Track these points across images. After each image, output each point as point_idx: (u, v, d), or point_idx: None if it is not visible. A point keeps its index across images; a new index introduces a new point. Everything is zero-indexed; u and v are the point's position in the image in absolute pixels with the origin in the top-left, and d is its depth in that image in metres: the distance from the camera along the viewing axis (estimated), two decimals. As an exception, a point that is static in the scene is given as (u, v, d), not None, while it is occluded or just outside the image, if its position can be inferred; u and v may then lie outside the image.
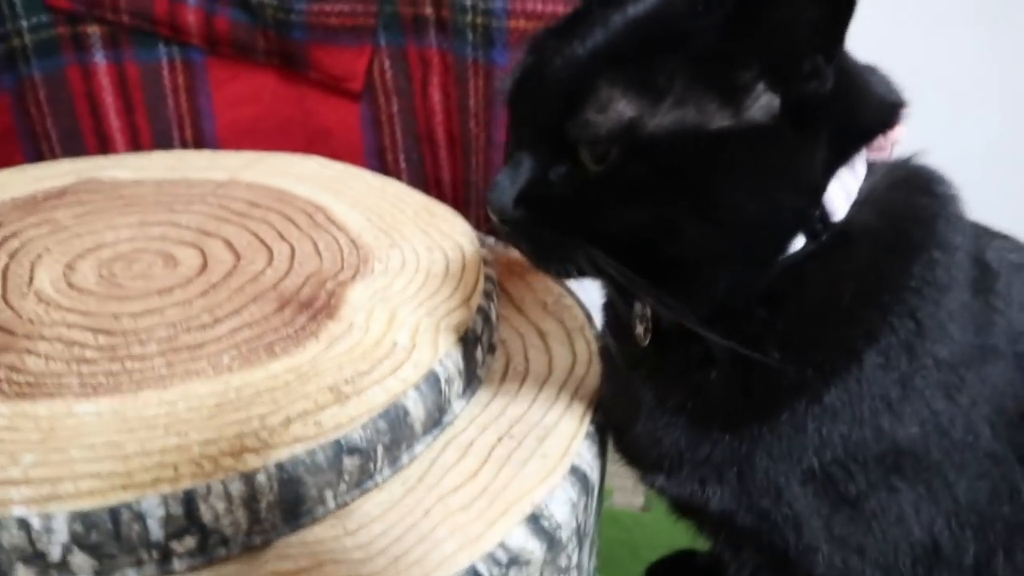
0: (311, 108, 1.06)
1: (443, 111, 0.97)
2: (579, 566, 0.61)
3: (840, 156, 0.50)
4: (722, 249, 0.48)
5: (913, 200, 0.52)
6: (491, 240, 0.96)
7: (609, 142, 0.46)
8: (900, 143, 0.54)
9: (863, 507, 0.50)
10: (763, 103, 0.46)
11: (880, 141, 0.52)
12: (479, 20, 0.86)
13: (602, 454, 0.63)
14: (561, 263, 0.51)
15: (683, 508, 0.59)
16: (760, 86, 0.46)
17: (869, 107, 0.51)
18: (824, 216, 0.49)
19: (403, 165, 1.06)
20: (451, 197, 1.02)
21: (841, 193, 0.50)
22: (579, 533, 0.58)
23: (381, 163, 1.07)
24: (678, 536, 0.79)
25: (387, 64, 0.99)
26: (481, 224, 0.99)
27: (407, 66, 0.98)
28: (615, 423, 0.62)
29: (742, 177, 0.47)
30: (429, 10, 0.92)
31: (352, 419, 0.54)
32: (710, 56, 0.45)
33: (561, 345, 0.74)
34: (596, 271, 0.50)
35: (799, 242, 0.49)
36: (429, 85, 0.97)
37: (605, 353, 0.63)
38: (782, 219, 0.48)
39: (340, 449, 0.52)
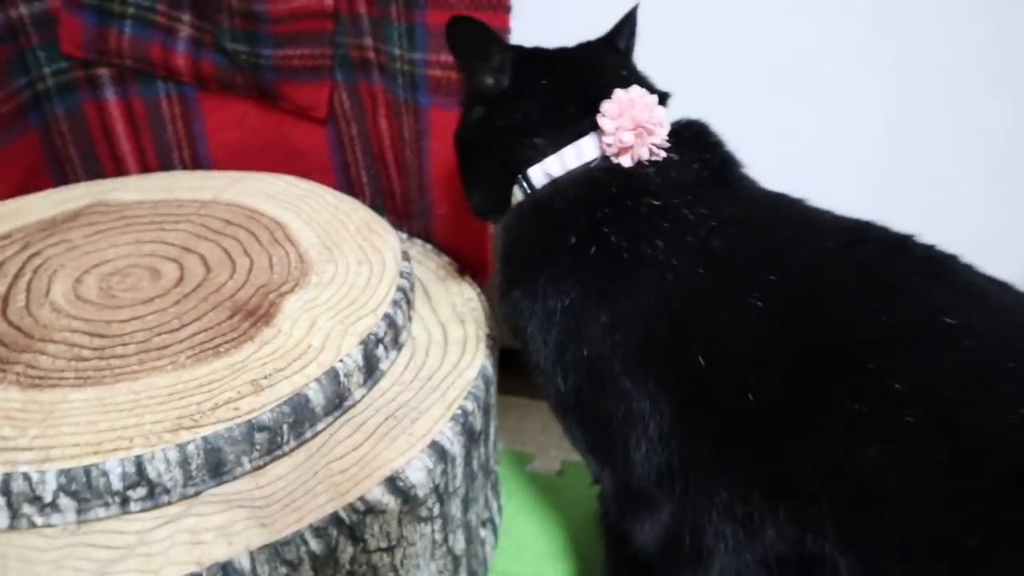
0: (287, 132, 1.25)
1: (389, 137, 1.15)
2: (444, 515, 0.81)
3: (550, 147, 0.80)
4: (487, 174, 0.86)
5: (575, 188, 0.78)
6: (428, 247, 1.16)
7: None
8: (627, 149, 0.77)
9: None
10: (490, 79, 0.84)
11: (606, 142, 0.77)
12: (406, 67, 1.04)
13: (466, 433, 0.82)
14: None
15: None
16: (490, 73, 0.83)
17: (567, 100, 0.83)
18: (530, 183, 0.81)
19: (365, 179, 1.25)
20: (401, 208, 1.21)
21: (540, 172, 0.80)
22: (438, 491, 0.78)
23: (347, 177, 1.26)
24: (584, 498, 1.01)
25: (344, 96, 1.18)
26: (419, 232, 1.19)
27: (360, 98, 1.16)
28: None
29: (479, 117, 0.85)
30: (372, 54, 1.10)
31: (263, 405, 0.74)
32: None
33: (456, 344, 0.93)
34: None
35: (519, 194, 0.82)
36: (377, 115, 1.15)
37: None
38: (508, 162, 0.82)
39: (252, 427, 0.73)
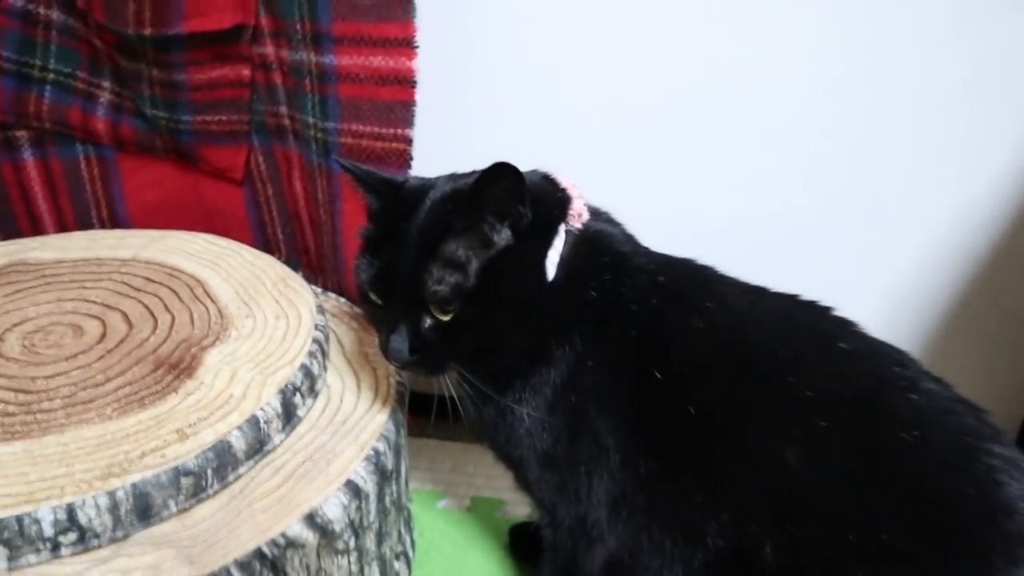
0: (204, 191, 1.31)
1: (304, 198, 1.23)
2: (360, 548, 0.87)
3: (547, 241, 0.84)
4: (515, 324, 0.83)
5: (589, 262, 0.86)
6: (341, 300, 1.23)
7: (451, 301, 0.80)
8: (583, 215, 0.87)
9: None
10: (504, 235, 0.82)
11: (569, 219, 0.86)
12: (319, 135, 1.12)
13: (379, 472, 0.89)
14: (440, 372, 0.85)
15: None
16: (496, 228, 0.81)
17: (551, 206, 0.86)
18: (545, 281, 0.84)
19: (280, 236, 1.32)
20: (316, 264, 1.28)
21: (550, 262, 0.84)
22: (353, 526, 0.85)
23: (263, 235, 1.33)
24: (492, 532, 1.09)
25: (261, 159, 1.25)
26: (333, 287, 1.26)
27: (275, 161, 1.24)
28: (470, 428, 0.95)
29: (509, 277, 0.81)
30: (287, 121, 1.18)
31: (188, 452, 0.80)
32: (468, 228, 0.80)
33: (368, 390, 1.01)
34: (457, 372, 0.85)
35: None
36: (292, 177, 1.22)
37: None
38: (532, 293, 0.83)
39: (178, 473, 0.78)
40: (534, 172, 0.90)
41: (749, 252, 1.13)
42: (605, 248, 0.88)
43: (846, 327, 0.82)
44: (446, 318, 0.81)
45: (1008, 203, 1.14)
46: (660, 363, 0.81)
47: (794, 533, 0.73)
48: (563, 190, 0.88)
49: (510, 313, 0.83)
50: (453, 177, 0.89)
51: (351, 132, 1.09)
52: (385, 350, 0.84)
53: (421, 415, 1.08)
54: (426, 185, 0.86)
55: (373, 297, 0.85)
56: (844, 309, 0.84)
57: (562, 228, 0.86)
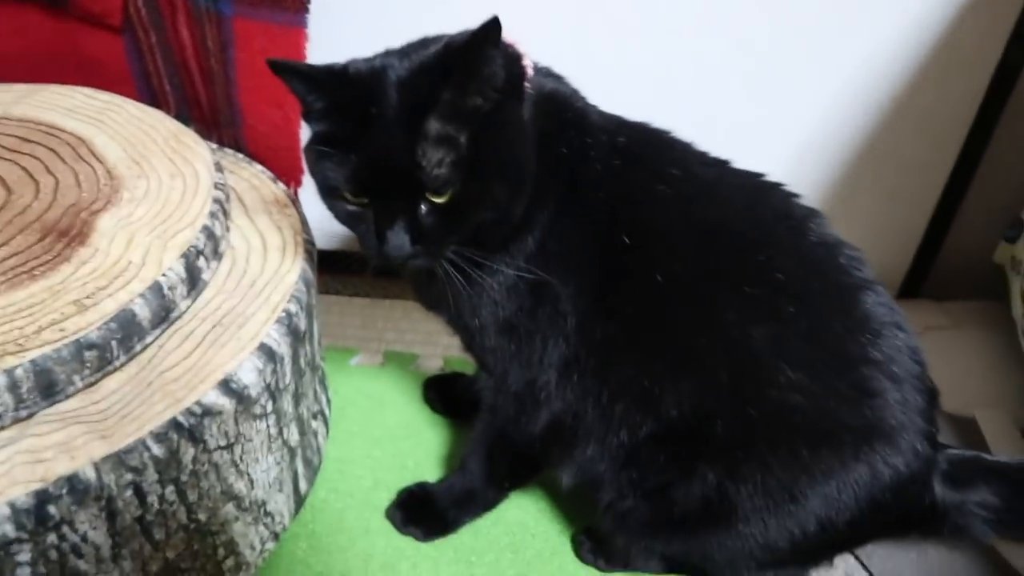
0: (80, 41, 1.19)
1: (191, 46, 1.13)
2: (277, 411, 0.87)
3: (520, 100, 0.79)
4: (515, 190, 0.78)
5: (554, 120, 0.82)
6: (239, 156, 1.17)
7: (451, 179, 0.73)
8: (529, 71, 0.82)
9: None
10: (485, 100, 0.74)
11: (527, 75, 0.81)
12: (204, -26, 1.03)
13: (292, 334, 0.88)
14: (441, 259, 0.78)
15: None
16: (481, 92, 0.74)
17: (512, 64, 0.79)
18: None
19: (168, 88, 1.23)
20: (209, 118, 1.21)
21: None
22: (270, 389, 0.84)
23: (148, 87, 1.23)
24: (407, 386, 1.09)
25: (140, 3, 1.14)
26: (230, 143, 1.19)
27: (157, 5, 1.13)
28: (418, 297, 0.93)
29: (504, 139, 0.76)
30: (169, -41, 1.07)
31: (90, 324, 0.76)
32: (454, 100, 0.73)
33: (276, 250, 0.98)
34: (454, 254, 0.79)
35: None
36: (177, 23, 1.12)
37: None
38: (526, 152, 0.78)
39: (80, 347, 0.75)
40: None
41: (658, 102, 1.12)
42: (565, 104, 0.85)
43: (814, 217, 0.82)
44: (443, 200, 0.75)
45: (911, 53, 1.15)
46: (627, 227, 0.81)
47: (749, 413, 0.77)
48: (511, 47, 0.82)
49: (508, 179, 0.77)
50: (405, 52, 0.79)
51: (240, -28, 1.01)
52: (380, 250, 0.76)
53: (328, 272, 1.06)
54: (377, 66, 0.77)
55: (351, 197, 0.77)
56: (750, 159, 0.84)
57: (526, 86, 0.81)
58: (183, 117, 1.20)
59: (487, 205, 0.77)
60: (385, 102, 0.73)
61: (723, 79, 1.19)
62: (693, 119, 0.90)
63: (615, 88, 0.92)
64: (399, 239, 0.75)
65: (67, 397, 0.76)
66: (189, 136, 1.06)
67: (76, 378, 0.76)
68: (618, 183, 0.82)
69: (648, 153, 0.84)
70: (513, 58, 0.80)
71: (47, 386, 0.74)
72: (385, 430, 1.15)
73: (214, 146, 1.18)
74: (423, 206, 0.75)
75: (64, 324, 0.76)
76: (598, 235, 0.82)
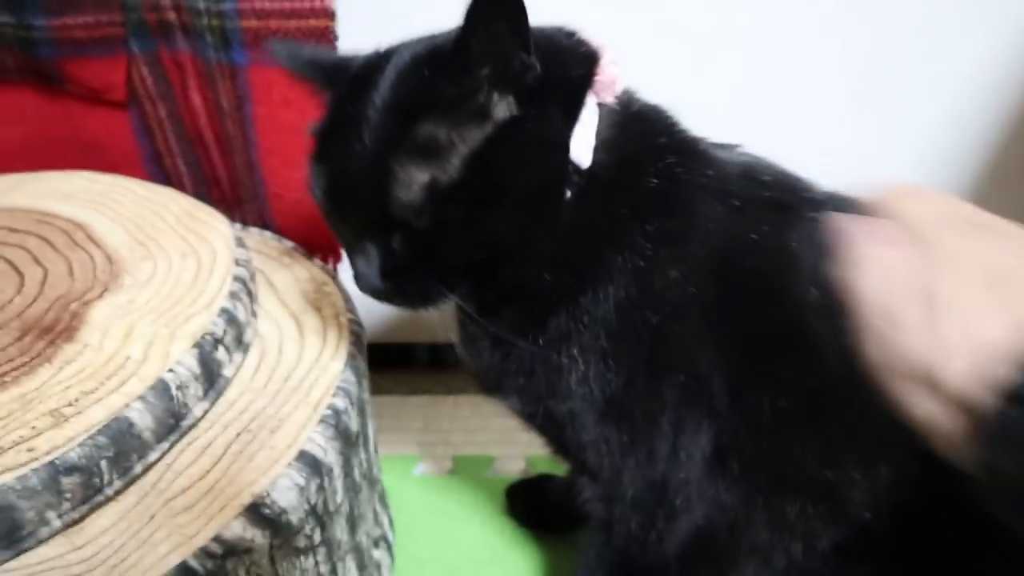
0: (78, 122, 1.05)
1: (206, 113, 0.98)
2: (328, 540, 0.65)
3: (569, 113, 0.60)
4: (524, 226, 0.59)
5: (643, 145, 0.63)
6: (267, 234, 0.99)
7: (423, 206, 0.57)
8: (619, 82, 0.64)
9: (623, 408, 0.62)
10: (503, 105, 0.58)
11: (600, 87, 0.62)
12: (214, 22, 0.87)
13: (341, 437, 0.67)
14: (427, 302, 0.62)
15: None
16: (495, 95, 0.57)
17: (572, 65, 0.61)
18: (575, 167, 0.60)
19: (182, 168, 1.06)
20: (230, 194, 1.04)
21: (582, 144, 0.60)
22: (316, 512, 0.62)
23: (160, 168, 1.07)
24: (483, 496, 0.87)
25: (145, 71, 0.99)
26: (255, 220, 1.02)
27: (164, 71, 0.98)
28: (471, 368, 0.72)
29: (515, 161, 0.58)
30: (172, 15, 0.92)
31: (69, 439, 0.56)
32: (453, 99, 0.57)
33: (314, 334, 0.78)
34: (448, 297, 0.61)
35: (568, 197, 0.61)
36: (188, 88, 0.97)
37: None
38: (551, 181, 0.59)
39: (55, 471, 0.55)
40: (547, 27, 0.65)
41: (752, 121, 0.93)
42: (660, 127, 0.66)
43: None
44: (421, 226, 0.58)
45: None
46: (741, 256, 0.61)
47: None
48: (587, 45, 0.64)
49: (520, 210, 0.59)
50: (407, 44, 0.63)
51: (255, 12, 0.86)
52: (356, 280, 0.62)
53: (378, 369, 0.86)
54: (385, 54, 0.61)
55: (328, 212, 0.63)
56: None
57: (591, 100, 0.62)
58: (202, 197, 1.02)
59: (480, 240, 0.59)
60: (370, 95, 0.58)
61: (822, 97, 1.00)
62: (784, 139, 0.71)
63: (688, 109, 0.72)
64: (364, 267, 0.61)
65: (39, 542, 0.55)
66: (204, 211, 0.89)
67: (51, 515, 0.55)
68: (725, 217, 0.62)
69: (783, 198, 0.64)
70: (580, 58, 0.62)
71: (10, 530, 0.53)
72: (462, 554, 0.93)
73: (237, 226, 1.00)
74: (397, 232, 0.59)
75: (34, 442, 0.56)
76: (725, 284, 0.61)
